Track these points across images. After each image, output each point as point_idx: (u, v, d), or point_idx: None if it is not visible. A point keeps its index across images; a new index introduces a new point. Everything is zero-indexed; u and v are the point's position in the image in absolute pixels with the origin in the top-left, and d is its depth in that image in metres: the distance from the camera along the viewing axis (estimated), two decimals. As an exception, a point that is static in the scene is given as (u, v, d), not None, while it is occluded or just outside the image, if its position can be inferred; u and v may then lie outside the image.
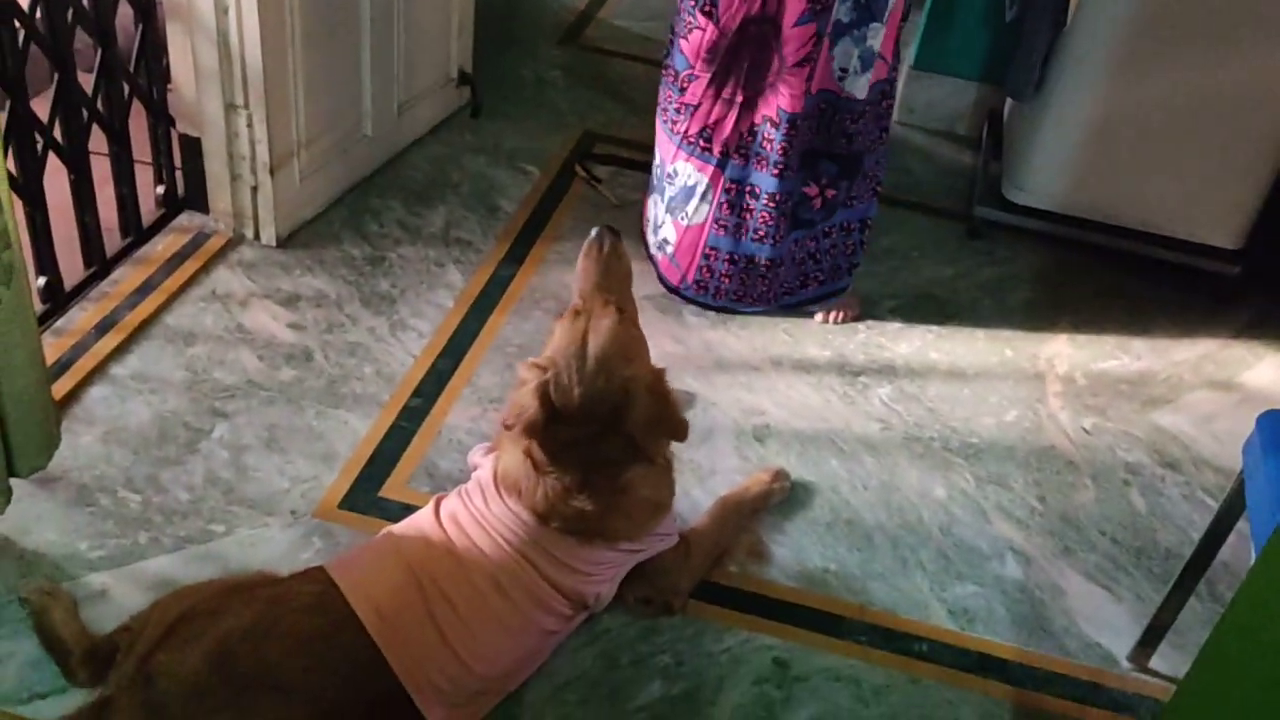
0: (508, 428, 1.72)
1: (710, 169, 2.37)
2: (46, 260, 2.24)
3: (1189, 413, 2.46)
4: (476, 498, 1.77)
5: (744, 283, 2.48)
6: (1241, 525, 1.73)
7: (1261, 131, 2.61)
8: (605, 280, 1.77)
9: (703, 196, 2.40)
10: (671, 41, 2.36)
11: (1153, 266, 2.84)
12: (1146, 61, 2.60)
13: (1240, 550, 1.93)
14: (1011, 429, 2.36)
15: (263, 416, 2.15)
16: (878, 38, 2.21)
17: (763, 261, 2.44)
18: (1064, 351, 2.59)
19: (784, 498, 2.11)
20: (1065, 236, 2.89)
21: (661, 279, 2.56)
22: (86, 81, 2.26)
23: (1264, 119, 2.60)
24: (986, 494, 2.20)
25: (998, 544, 2.10)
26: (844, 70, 2.24)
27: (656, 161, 2.50)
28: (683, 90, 2.34)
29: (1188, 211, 2.75)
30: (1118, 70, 2.63)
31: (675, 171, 2.42)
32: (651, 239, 2.58)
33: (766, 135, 2.30)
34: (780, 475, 2.13)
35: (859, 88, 2.26)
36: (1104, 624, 1.98)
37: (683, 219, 2.45)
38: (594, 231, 1.82)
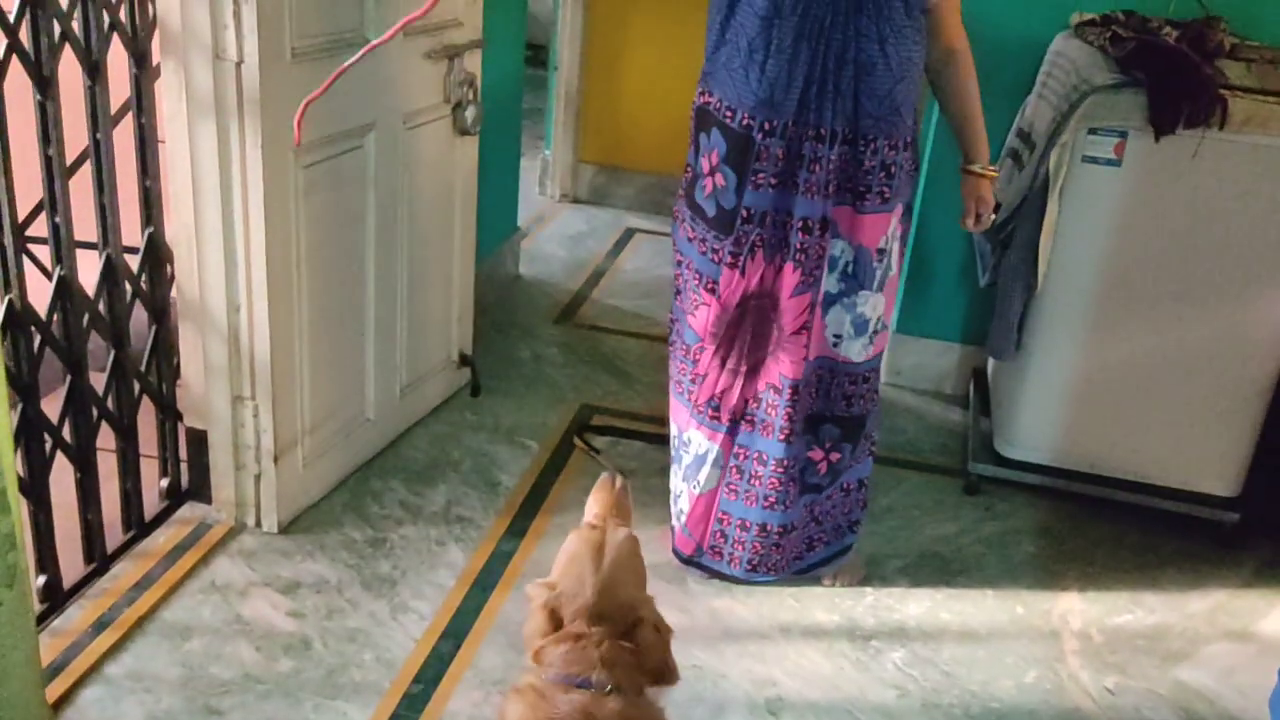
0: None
1: (720, 436, 2.41)
2: (47, 559, 2.23)
3: (1210, 667, 2.39)
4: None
5: (757, 551, 2.47)
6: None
7: (1242, 381, 2.68)
8: (618, 511, 1.79)
9: (714, 463, 2.44)
10: (675, 320, 2.47)
11: (1153, 515, 2.84)
12: (1118, 321, 2.70)
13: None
14: (1032, 691, 2.29)
15: (259, 712, 2.07)
16: (868, 304, 2.31)
17: (774, 529, 2.45)
18: (1076, 607, 2.55)
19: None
20: (1062, 489, 2.91)
21: (676, 551, 2.56)
22: (97, 380, 2.31)
23: (1243, 369, 2.67)
24: (1013, 763, 2.11)
25: (1031, 818, 2.00)
26: (837, 336, 2.32)
27: (673, 432, 2.55)
28: (695, 362, 2.41)
29: (1179, 461, 2.78)
30: (1092, 329, 2.73)
31: (689, 440, 2.47)
32: (672, 507, 2.60)
33: (770, 402, 2.35)
34: None
35: (854, 352, 2.34)
36: None
37: (695, 487, 2.48)
38: (604, 473, 1.85)
